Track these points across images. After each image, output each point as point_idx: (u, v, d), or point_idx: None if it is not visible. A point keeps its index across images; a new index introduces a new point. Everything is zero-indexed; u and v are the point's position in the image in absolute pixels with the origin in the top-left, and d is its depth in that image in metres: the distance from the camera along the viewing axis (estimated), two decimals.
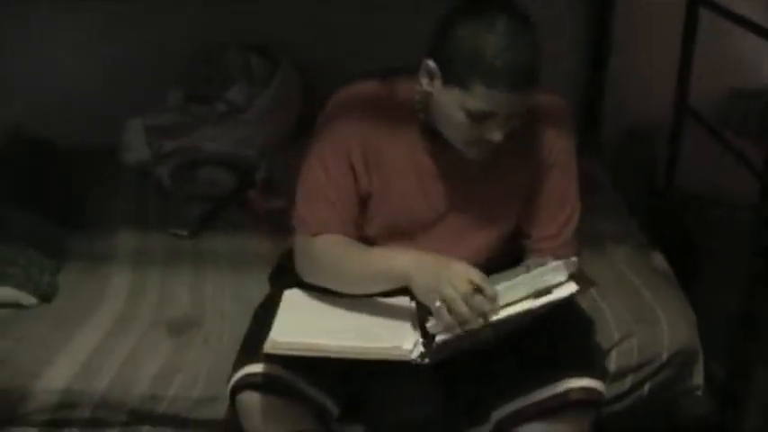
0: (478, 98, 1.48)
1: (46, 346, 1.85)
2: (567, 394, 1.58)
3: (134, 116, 2.54)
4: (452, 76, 1.50)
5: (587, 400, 1.59)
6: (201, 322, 1.94)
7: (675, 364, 1.93)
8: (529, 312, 1.47)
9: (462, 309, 1.43)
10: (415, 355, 1.48)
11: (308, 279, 1.67)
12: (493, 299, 1.44)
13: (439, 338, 1.45)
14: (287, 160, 2.47)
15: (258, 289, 1.97)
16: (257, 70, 2.51)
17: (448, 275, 1.46)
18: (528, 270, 1.53)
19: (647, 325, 1.94)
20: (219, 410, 1.80)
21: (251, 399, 1.59)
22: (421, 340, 1.49)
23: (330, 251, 1.63)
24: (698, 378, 1.98)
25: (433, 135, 1.61)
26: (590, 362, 1.66)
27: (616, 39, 2.72)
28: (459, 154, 1.58)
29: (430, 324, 1.47)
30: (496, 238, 1.69)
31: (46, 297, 1.98)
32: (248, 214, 2.38)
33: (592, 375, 1.61)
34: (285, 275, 1.79)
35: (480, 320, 1.44)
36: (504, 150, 1.56)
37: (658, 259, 2.17)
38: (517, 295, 1.46)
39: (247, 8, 2.58)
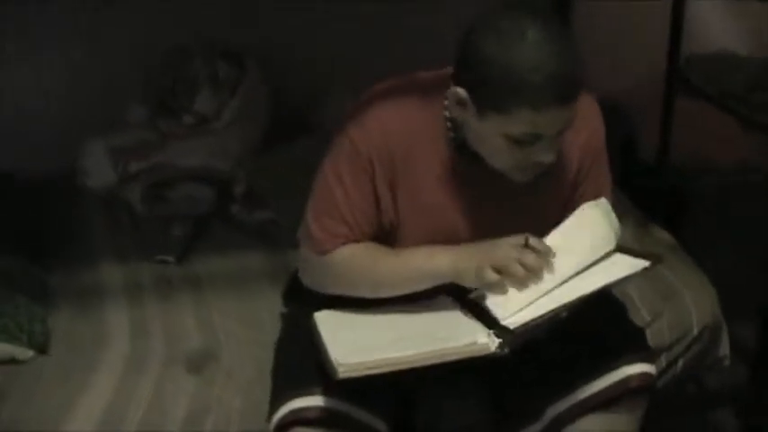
0: (521, 121, 1.32)
1: (56, 402, 1.67)
2: (627, 381, 1.53)
3: (94, 137, 2.34)
4: (487, 101, 1.33)
5: (644, 386, 1.56)
6: (218, 354, 1.81)
7: (704, 338, 1.94)
8: (603, 290, 1.41)
9: (518, 268, 1.38)
10: (494, 346, 1.40)
11: (328, 290, 1.56)
12: (545, 252, 1.40)
13: (514, 324, 1.38)
14: (266, 168, 2.35)
15: (267, 309, 1.86)
16: (224, 77, 2.36)
17: (495, 252, 1.41)
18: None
19: (674, 302, 1.93)
20: None
21: None
22: (492, 331, 1.41)
23: (357, 260, 1.51)
24: (724, 348, 1.99)
25: (466, 148, 1.46)
26: (641, 345, 1.62)
27: (577, 14, 2.69)
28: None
29: (494, 311, 1.40)
30: None
31: (42, 348, 1.79)
32: (233, 230, 2.24)
33: (646, 359, 1.57)
34: (302, 293, 1.66)
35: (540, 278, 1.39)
36: None
37: (662, 233, 2.17)
38: (577, 263, 1.41)
39: (210, 10, 2.42)
